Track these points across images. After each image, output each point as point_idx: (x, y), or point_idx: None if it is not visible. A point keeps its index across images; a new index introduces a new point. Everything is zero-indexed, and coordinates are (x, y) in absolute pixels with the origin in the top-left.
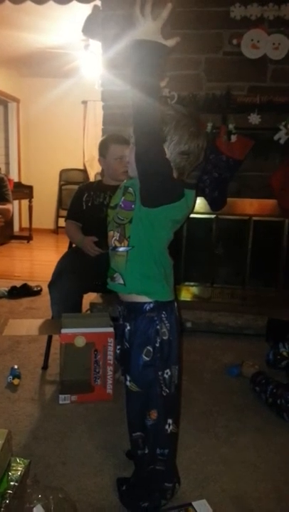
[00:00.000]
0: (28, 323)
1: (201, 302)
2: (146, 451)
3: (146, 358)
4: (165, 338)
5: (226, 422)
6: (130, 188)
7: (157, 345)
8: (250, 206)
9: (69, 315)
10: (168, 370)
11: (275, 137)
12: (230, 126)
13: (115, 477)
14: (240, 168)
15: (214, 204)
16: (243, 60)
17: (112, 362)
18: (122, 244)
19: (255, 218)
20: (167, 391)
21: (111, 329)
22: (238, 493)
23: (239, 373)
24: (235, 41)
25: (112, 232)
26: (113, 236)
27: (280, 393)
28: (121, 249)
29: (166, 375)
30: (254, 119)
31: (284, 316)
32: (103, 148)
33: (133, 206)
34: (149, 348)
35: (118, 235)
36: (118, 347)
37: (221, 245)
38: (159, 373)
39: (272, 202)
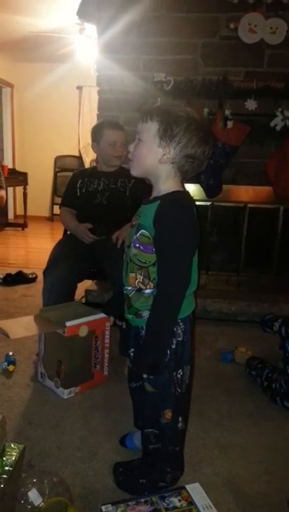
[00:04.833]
0: (22, 322)
1: (196, 289)
2: (159, 447)
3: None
4: (180, 339)
5: (219, 407)
6: (143, 231)
7: (173, 346)
8: (245, 193)
9: (46, 309)
10: (180, 370)
11: (272, 123)
12: (227, 112)
13: (110, 461)
14: (236, 154)
15: (210, 191)
16: (240, 45)
17: (108, 345)
18: (148, 286)
19: (250, 205)
20: (179, 390)
21: (103, 314)
22: (231, 475)
23: (232, 359)
24: (232, 25)
25: (133, 274)
26: (136, 278)
27: (276, 377)
28: (147, 291)
29: (178, 375)
30: (250, 104)
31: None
32: (97, 134)
33: (153, 249)
34: None
35: (141, 277)
36: (132, 349)
37: (216, 232)
38: (174, 374)
39: (268, 189)
